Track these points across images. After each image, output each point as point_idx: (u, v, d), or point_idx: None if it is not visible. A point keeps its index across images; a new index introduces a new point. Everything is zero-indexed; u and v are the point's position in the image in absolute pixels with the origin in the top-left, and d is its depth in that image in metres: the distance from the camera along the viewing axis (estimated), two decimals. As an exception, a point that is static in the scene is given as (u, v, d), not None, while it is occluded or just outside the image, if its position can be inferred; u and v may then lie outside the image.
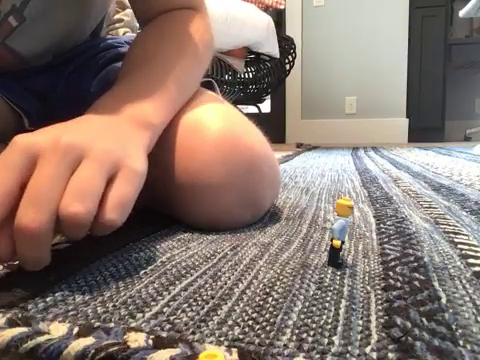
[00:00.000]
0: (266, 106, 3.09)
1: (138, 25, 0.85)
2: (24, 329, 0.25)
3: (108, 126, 0.38)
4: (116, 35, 1.37)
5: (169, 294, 0.30)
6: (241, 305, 0.28)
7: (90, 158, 0.32)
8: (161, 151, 0.48)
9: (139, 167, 0.35)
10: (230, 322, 0.26)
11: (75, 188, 0.30)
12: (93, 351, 0.23)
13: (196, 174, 0.45)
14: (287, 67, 2.52)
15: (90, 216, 0.30)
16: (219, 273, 0.34)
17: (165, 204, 0.51)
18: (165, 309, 0.28)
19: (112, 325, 0.26)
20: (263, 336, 0.24)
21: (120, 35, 1.39)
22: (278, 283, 0.32)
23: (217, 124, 0.47)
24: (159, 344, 0.23)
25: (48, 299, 0.29)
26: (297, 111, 3.15)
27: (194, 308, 0.28)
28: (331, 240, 0.35)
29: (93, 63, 0.64)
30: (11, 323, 0.26)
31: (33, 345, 0.24)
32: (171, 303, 0.29)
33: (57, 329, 0.25)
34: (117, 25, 1.42)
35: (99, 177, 0.32)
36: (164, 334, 0.24)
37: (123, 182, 0.33)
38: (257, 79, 2.39)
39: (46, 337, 0.24)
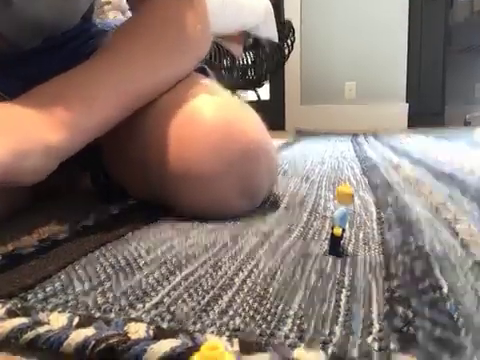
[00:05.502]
0: (265, 93, 3.06)
1: (127, 6, 0.83)
2: (24, 319, 0.25)
3: (9, 113, 0.37)
4: (105, 18, 1.35)
5: (169, 284, 0.30)
6: (242, 295, 0.28)
7: None
8: (155, 141, 0.47)
9: None
10: (231, 312, 0.26)
11: None
12: (93, 342, 0.22)
13: (190, 164, 0.44)
14: (286, 52, 2.49)
15: None
16: (220, 263, 0.34)
17: (160, 194, 0.50)
18: (166, 299, 0.28)
19: (112, 316, 0.25)
20: (264, 326, 0.24)
21: (110, 18, 1.37)
22: (279, 273, 0.32)
23: (210, 111, 0.45)
24: (160, 335, 0.23)
25: (48, 289, 0.29)
26: (296, 97, 3.13)
27: (195, 298, 0.28)
28: (332, 228, 0.35)
29: (84, 48, 0.63)
30: (11, 313, 0.26)
31: (33, 336, 0.23)
32: (171, 293, 0.28)
33: (57, 319, 0.25)
34: (105, 8, 1.39)
35: None
36: (165, 325, 0.24)
37: None
38: (256, 64, 2.36)
39: (46, 328, 0.24)
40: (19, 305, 0.27)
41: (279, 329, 0.24)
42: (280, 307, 0.26)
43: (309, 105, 3.16)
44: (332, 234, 0.35)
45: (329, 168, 0.88)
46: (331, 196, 0.60)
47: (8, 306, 0.26)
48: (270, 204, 0.55)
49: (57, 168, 0.41)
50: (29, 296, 0.28)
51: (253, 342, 0.22)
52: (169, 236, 0.41)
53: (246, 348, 0.21)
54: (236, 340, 0.22)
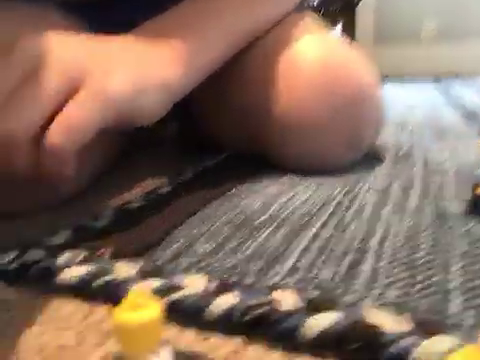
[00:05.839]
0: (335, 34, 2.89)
1: None
2: (159, 282, 0.23)
3: (123, 48, 0.34)
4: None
5: (297, 247, 0.27)
6: (385, 262, 0.25)
7: (45, 67, 0.28)
8: (255, 86, 0.44)
9: (111, 87, 0.29)
10: (382, 282, 0.23)
11: (14, 103, 0.27)
12: (241, 311, 0.21)
13: (293, 112, 0.41)
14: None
15: (22, 134, 0.27)
16: (343, 223, 0.31)
17: (261, 145, 0.48)
18: (299, 264, 0.25)
19: (250, 281, 0.23)
20: (427, 302, 0.21)
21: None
22: (418, 237, 0.28)
23: (315, 54, 0.42)
24: (313, 306, 0.20)
25: (173, 248, 0.28)
26: (369, 36, 2.91)
27: (332, 263, 0.25)
28: (474, 187, 0.31)
29: None
30: (144, 274, 0.24)
31: (173, 300, 0.22)
32: (303, 257, 0.26)
33: (193, 283, 0.23)
34: None
35: (45, 92, 0.27)
36: (312, 293, 0.22)
37: (78, 102, 0.28)
38: (327, 4, 2.21)
39: (184, 292, 0.22)
40: (149, 265, 0.25)
41: (448, 305, 0.20)
42: (437, 278, 0.23)
43: (383, 46, 2.93)
44: (476, 194, 0.31)
45: (423, 116, 0.80)
46: (437, 147, 0.54)
47: (140, 266, 0.25)
48: (373, 155, 0.51)
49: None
50: (156, 255, 0.27)
51: (427, 322, 0.19)
52: (276, 192, 0.39)
53: (423, 328, 0.18)
54: (407, 317, 0.19)
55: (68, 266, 0.25)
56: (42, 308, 0.23)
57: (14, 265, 0.26)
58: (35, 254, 0.26)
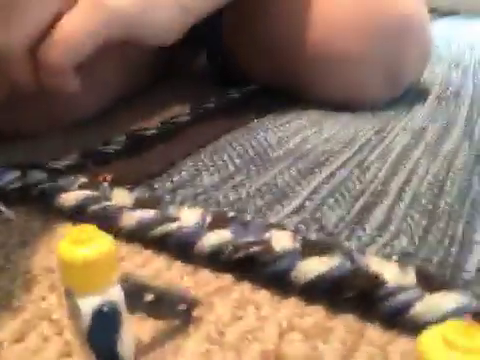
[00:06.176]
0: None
1: None
2: (152, 212, 0.22)
3: None
4: None
5: (309, 184, 0.25)
6: (402, 207, 0.22)
7: None
8: (286, 16, 0.40)
9: (112, 0, 0.27)
10: (392, 228, 0.20)
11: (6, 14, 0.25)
12: (231, 248, 0.19)
13: (329, 43, 0.38)
14: None
15: (17, 47, 0.25)
16: (366, 162, 0.28)
17: (290, 78, 0.44)
18: (307, 203, 0.23)
19: (248, 217, 0.22)
20: (443, 254, 0.18)
21: None
22: (448, 183, 0.25)
23: None
24: (309, 249, 0.19)
25: (175, 178, 0.26)
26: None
27: (343, 205, 0.23)
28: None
29: None
30: (138, 203, 0.23)
31: (163, 232, 0.21)
32: (313, 196, 0.24)
33: (188, 216, 0.22)
34: None
35: (38, 5, 0.25)
36: (312, 235, 0.20)
37: (74, 13, 0.26)
38: None
39: (177, 224, 0.21)
40: (147, 194, 0.24)
41: (466, 261, 0.18)
42: (459, 228, 0.20)
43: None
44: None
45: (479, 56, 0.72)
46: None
47: (136, 194, 0.24)
48: (416, 94, 0.46)
49: (174, 44, 0.36)
50: (156, 185, 0.25)
51: (437, 275, 0.17)
52: (300, 127, 0.36)
53: (428, 283, 0.16)
54: (411, 269, 0.17)
55: (67, 190, 0.24)
56: (37, 231, 0.23)
57: (14, 186, 0.25)
58: (36, 176, 0.26)
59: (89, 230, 0.12)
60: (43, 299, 0.18)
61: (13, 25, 0.25)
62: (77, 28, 0.26)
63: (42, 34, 0.25)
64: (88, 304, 0.12)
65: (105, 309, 0.12)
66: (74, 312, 0.13)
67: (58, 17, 0.26)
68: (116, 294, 0.12)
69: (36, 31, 0.25)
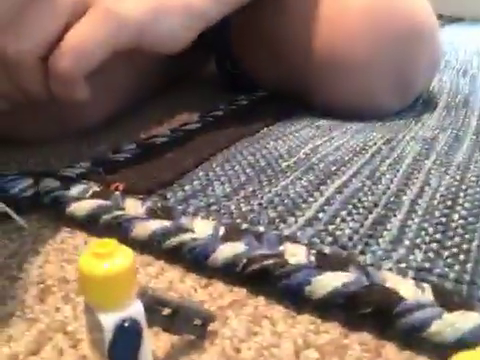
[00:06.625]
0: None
1: None
2: (166, 223, 0.22)
3: None
4: None
5: (321, 196, 0.25)
6: (416, 220, 0.22)
7: None
8: (293, 19, 0.40)
9: (123, 7, 0.27)
10: (407, 243, 0.20)
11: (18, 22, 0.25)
12: (245, 261, 0.19)
13: (338, 49, 0.38)
14: None
15: (28, 56, 0.25)
16: (377, 173, 0.28)
17: (298, 84, 0.44)
18: (320, 215, 0.23)
19: (262, 229, 0.22)
20: (458, 268, 0.18)
21: None
22: (462, 195, 0.25)
23: None
24: (324, 263, 0.19)
25: (187, 187, 0.26)
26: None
27: (356, 217, 0.23)
28: None
29: None
30: (151, 213, 0.23)
31: (177, 243, 0.21)
32: (326, 208, 0.24)
33: (201, 227, 0.22)
34: None
35: (51, 11, 0.25)
36: (326, 249, 0.20)
37: (85, 22, 0.26)
38: None
39: (190, 235, 0.21)
40: (159, 204, 0.24)
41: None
42: (474, 243, 0.20)
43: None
44: None
45: (489, 62, 0.72)
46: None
47: (148, 204, 0.24)
48: (424, 103, 0.46)
49: (183, 50, 0.36)
50: (168, 194, 0.25)
51: (454, 292, 0.17)
52: (309, 135, 0.36)
53: (445, 300, 0.16)
54: (428, 285, 0.17)
55: (79, 199, 0.24)
56: (49, 239, 0.23)
57: (27, 194, 0.25)
58: (49, 184, 0.26)
59: (110, 244, 0.12)
60: (57, 310, 0.18)
61: (24, 34, 0.25)
62: (87, 37, 0.26)
63: (53, 43, 0.26)
64: (110, 319, 0.12)
65: (127, 325, 0.12)
66: (94, 327, 0.13)
67: (69, 26, 0.26)
68: (137, 309, 0.12)
69: (47, 40, 0.25)
